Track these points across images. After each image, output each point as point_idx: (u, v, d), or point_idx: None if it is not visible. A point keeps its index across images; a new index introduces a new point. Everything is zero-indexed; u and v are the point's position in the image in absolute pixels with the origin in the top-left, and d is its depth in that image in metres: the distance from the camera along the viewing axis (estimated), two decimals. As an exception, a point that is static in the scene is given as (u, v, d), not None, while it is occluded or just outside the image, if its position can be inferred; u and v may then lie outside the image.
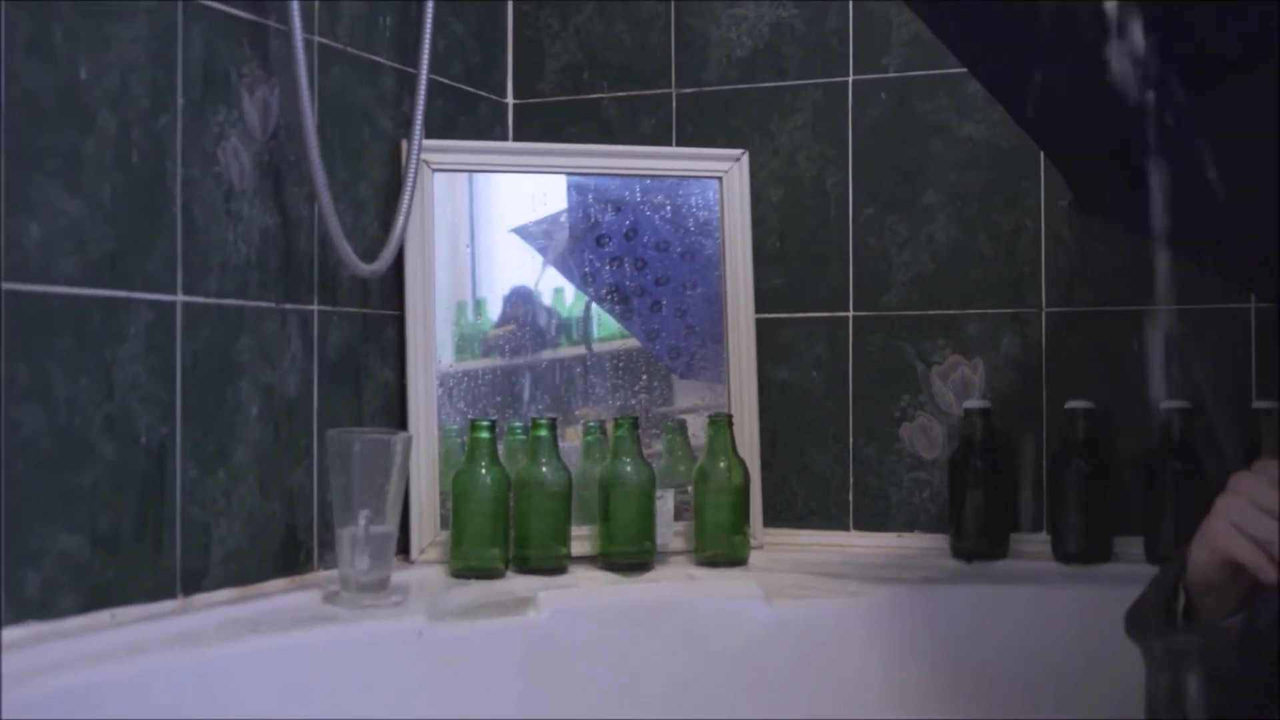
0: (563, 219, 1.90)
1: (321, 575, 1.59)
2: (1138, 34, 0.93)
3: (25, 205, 1.24)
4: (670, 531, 1.77)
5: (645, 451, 1.77)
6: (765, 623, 1.57)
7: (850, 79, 1.90)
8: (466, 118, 1.95)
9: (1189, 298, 1.68)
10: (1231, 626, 1.08)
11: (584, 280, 1.90)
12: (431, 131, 1.77)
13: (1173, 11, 0.94)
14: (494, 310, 1.88)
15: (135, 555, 1.36)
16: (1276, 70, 1.13)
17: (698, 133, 1.97)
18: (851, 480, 1.89)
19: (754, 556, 1.78)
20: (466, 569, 1.65)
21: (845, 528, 1.89)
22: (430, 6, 1.72)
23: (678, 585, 1.65)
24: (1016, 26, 1.06)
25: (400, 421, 1.76)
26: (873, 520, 1.88)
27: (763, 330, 1.91)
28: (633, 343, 1.91)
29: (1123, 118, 0.98)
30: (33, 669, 1.14)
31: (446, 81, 1.90)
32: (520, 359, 1.87)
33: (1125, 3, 0.91)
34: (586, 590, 1.61)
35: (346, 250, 1.57)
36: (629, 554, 1.71)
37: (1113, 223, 1.59)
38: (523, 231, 1.89)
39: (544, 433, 1.69)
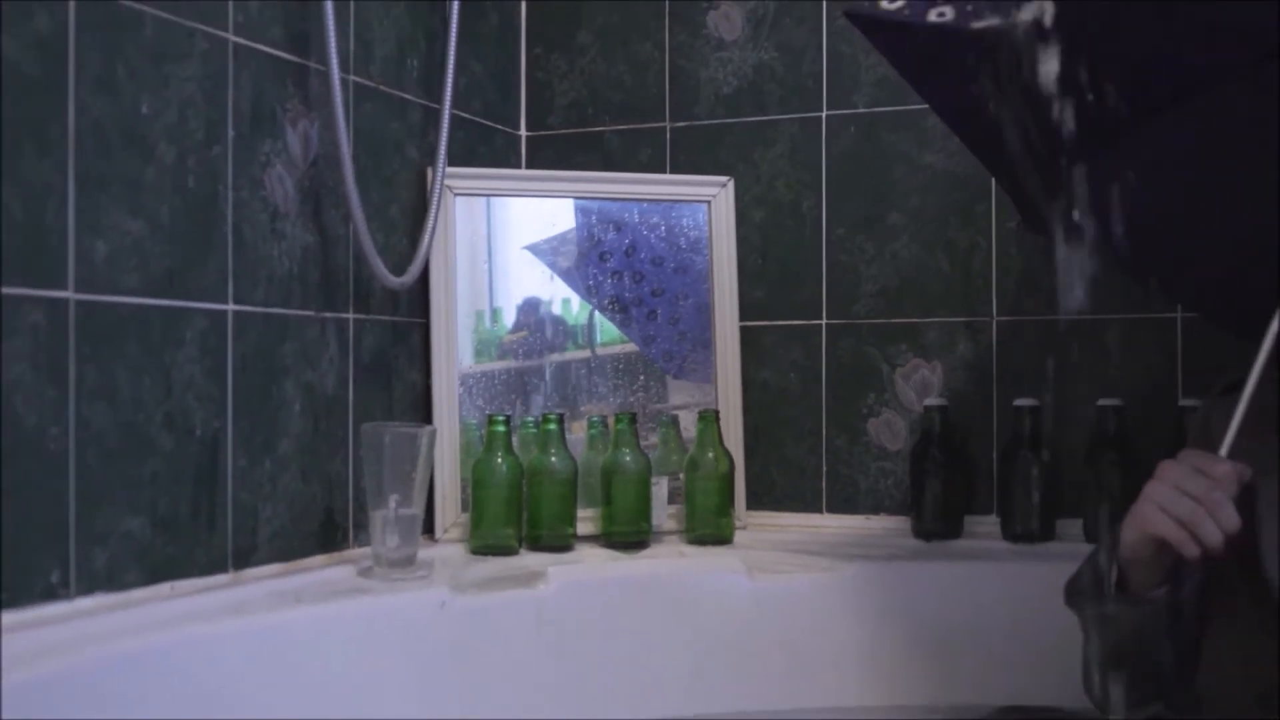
0: (570, 238, 1.90)
1: (356, 552, 1.59)
2: (1069, 80, 0.93)
3: (93, 226, 1.24)
4: (664, 514, 1.78)
5: (642, 443, 1.77)
6: (747, 594, 1.57)
7: (824, 114, 1.90)
8: (485, 148, 1.96)
9: (1124, 307, 1.69)
10: (1158, 597, 1.08)
11: (588, 292, 1.90)
12: (453, 160, 1.77)
13: (1104, 57, 0.94)
14: (509, 318, 1.88)
15: (191, 535, 1.36)
16: (1196, 108, 1.14)
17: (689, 161, 1.97)
18: (824, 469, 1.89)
19: (738, 536, 1.78)
20: (484, 547, 1.66)
21: (819, 511, 1.89)
22: (453, 50, 1.72)
23: (670, 561, 1.65)
24: (968, 68, 1.06)
25: (426, 416, 1.76)
26: (843, 504, 1.88)
27: (746, 336, 1.91)
28: (631, 347, 1.91)
29: (1060, 149, 0.98)
30: (103, 634, 1.14)
31: (467, 116, 1.90)
32: (532, 361, 1.87)
33: (1057, 54, 0.92)
34: (590, 565, 1.61)
35: (378, 265, 1.57)
36: (628, 533, 1.71)
37: (1055, 241, 1.59)
38: (534, 249, 1.89)
39: (553, 426, 1.69)
